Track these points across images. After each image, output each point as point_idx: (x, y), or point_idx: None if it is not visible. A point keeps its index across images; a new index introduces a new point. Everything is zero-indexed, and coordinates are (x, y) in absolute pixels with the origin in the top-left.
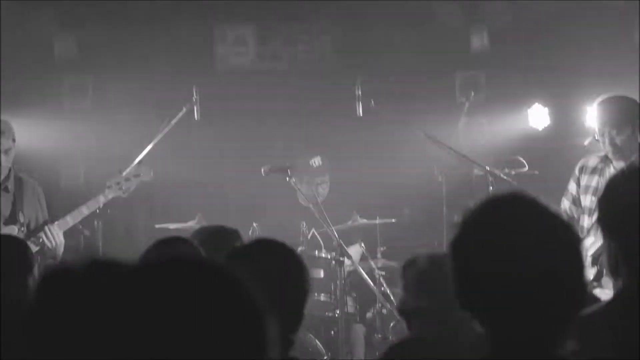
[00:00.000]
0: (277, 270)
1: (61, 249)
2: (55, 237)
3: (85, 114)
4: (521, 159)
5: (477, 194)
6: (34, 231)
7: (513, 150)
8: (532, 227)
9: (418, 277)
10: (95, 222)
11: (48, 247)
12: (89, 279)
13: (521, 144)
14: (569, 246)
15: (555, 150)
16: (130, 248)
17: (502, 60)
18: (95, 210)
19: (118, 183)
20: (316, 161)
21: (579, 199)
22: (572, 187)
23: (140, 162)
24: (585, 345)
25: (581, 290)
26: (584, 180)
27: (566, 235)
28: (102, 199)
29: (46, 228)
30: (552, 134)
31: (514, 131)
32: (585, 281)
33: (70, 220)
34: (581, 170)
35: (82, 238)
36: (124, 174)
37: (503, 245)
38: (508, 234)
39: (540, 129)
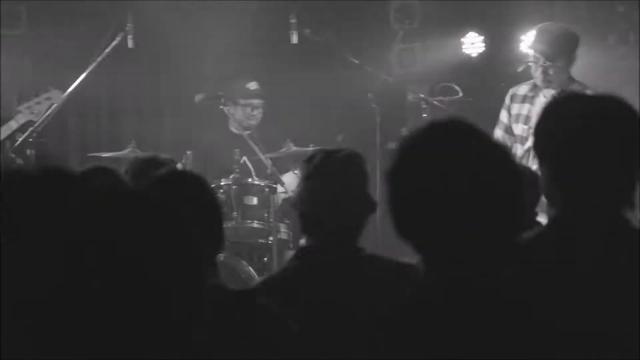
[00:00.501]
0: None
1: None
2: None
3: (20, 41)
4: (455, 86)
5: (410, 121)
6: None
7: (447, 77)
8: (472, 153)
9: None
10: (28, 151)
11: None
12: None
13: (455, 72)
14: (508, 170)
15: (490, 78)
16: None
17: None
18: (15, 137)
19: (29, 107)
20: (252, 85)
21: (511, 128)
22: (503, 116)
23: (49, 86)
24: (523, 270)
25: (521, 215)
26: (514, 109)
27: (505, 160)
28: (13, 124)
29: None
30: (486, 61)
31: (448, 58)
32: (524, 205)
33: None
34: (512, 99)
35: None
36: (34, 98)
37: (443, 171)
38: (448, 160)
39: (474, 55)
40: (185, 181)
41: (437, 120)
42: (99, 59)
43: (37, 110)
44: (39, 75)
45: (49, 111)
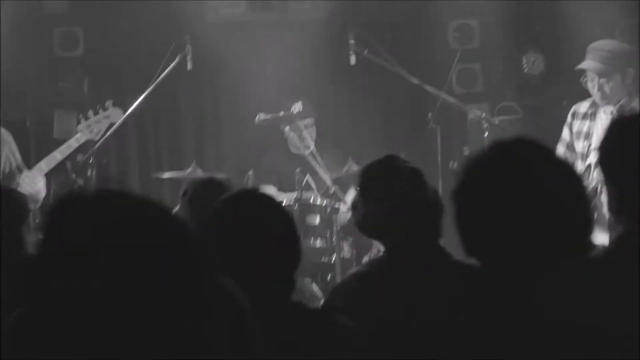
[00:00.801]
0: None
1: (42, 194)
2: (33, 182)
3: (79, 63)
4: (516, 105)
5: (471, 140)
6: (9, 177)
7: (508, 97)
8: (538, 169)
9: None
10: (89, 171)
11: (27, 193)
12: (100, 204)
13: (516, 91)
14: (575, 186)
15: (550, 97)
16: None
17: (496, 7)
18: (75, 157)
19: (89, 126)
20: (297, 107)
21: (573, 145)
22: (565, 133)
23: (108, 103)
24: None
25: (590, 230)
26: (576, 126)
27: (571, 176)
28: (74, 143)
29: (23, 174)
30: (547, 80)
31: (509, 78)
32: (592, 224)
33: (44, 166)
34: (573, 116)
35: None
36: (93, 117)
37: (511, 188)
38: (515, 177)
39: (534, 74)
40: (258, 199)
41: (502, 139)
42: (159, 79)
43: (97, 129)
44: (98, 96)
45: (109, 131)
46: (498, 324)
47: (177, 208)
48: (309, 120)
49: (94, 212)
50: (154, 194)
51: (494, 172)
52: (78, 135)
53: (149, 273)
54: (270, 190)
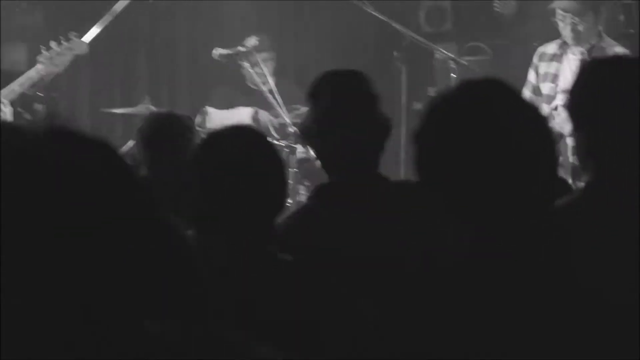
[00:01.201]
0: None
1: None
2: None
3: None
4: (484, 46)
5: (438, 81)
6: None
7: (476, 36)
8: (505, 112)
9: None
10: (35, 105)
11: None
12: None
13: (485, 31)
14: (543, 132)
15: (521, 38)
16: None
17: None
18: (34, 91)
19: (50, 58)
20: (251, 41)
21: (539, 88)
22: (531, 76)
23: (71, 34)
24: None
25: (553, 177)
26: (542, 68)
27: (538, 121)
28: (34, 75)
29: None
30: (519, 19)
31: (478, 17)
32: (556, 167)
33: (2, 98)
34: (540, 57)
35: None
36: (55, 48)
37: (475, 132)
38: (481, 121)
39: (505, 13)
40: (249, 137)
41: (468, 80)
42: (116, 9)
43: (59, 61)
44: (52, 27)
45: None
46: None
47: (130, 145)
48: (266, 55)
49: (38, 152)
50: (105, 130)
51: (458, 114)
52: (38, 66)
53: (90, 212)
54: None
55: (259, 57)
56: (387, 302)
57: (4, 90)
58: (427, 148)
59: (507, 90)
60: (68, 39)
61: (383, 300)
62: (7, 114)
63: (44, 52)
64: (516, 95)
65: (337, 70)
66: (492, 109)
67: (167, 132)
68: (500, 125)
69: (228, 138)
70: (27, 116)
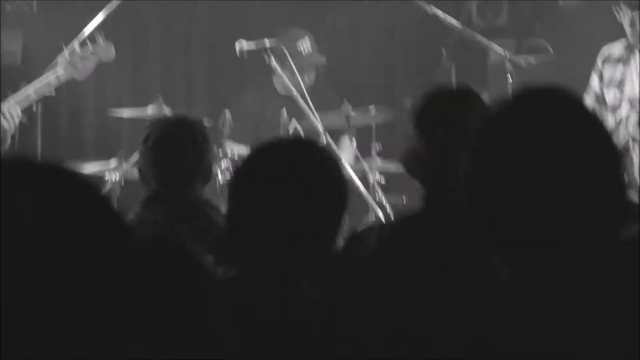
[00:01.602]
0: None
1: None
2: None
3: None
4: (545, 42)
5: (492, 84)
6: None
7: (537, 32)
8: (571, 135)
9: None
10: (34, 107)
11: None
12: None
13: (547, 25)
14: (611, 155)
15: (587, 34)
16: (75, 139)
17: None
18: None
19: (72, 62)
20: (305, 45)
21: (603, 95)
22: (594, 82)
23: (97, 36)
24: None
25: (621, 197)
26: (607, 72)
27: (608, 143)
28: (53, 79)
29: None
30: (583, 11)
31: (539, 9)
32: (624, 195)
33: (14, 105)
34: (604, 60)
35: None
36: (79, 51)
37: (535, 152)
38: (543, 143)
39: (568, 6)
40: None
41: (528, 91)
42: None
43: (83, 66)
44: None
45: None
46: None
47: (135, 157)
48: (313, 65)
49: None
50: (112, 135)
51: (514, 133)
52: (59, 70)
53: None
54: (344, 144)
55: (306, 65)
56: None
57: (18, 95)
58: (482, 169)
59: (571, 104)
60: (94, 41)
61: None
62: (11, 126)
63: (65, 54)
64: (582, 110)
65: (442, 89)
66: (553, 130)
67: (175, 141)
68: (561, 148)
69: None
70: (24, 119)
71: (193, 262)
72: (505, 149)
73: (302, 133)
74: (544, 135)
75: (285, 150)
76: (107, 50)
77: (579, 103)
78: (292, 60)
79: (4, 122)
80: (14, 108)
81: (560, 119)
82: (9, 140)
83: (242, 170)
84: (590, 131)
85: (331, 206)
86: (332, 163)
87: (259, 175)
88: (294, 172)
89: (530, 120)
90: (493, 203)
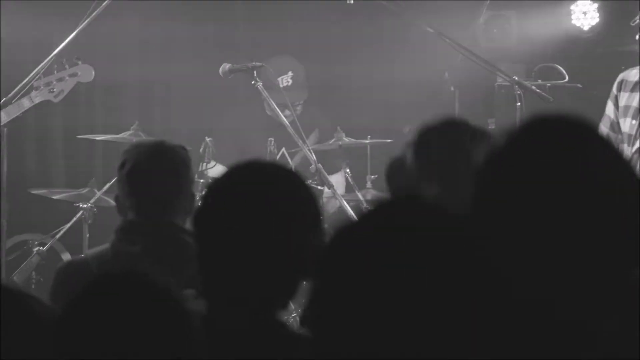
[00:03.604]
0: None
1: None
2: None
3: None
4: (559, 67)
5: (500, 110)
6: None
7: (550, 56)
8: (586, 169)
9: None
10: None
11: None
12: None
13: (561, 49)
14: (631, 188)
15: (604, 58)
16: (43, 164)
17: None
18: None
19: (48, 84)
20: (285, 79)
21: (618, 124)
22: (609, 109)
23: (76, 58)
24: None
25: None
26: (623, 99)
27: (628, 176)
28: (27, 103)
29: None
30: (600, 36)
31: (552, 31)
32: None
33: None
34: (620, 87)
35: None
36: (55, 73)
37: (545, 189)
38: (557, 178)
39: (585, 28)
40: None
41: (541, 117)
42: (95, 12)
43: (59, 89)
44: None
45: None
46: None
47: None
48: (299, 97)
49: None
50: (82, 161)
51: (522, 165)
52: (33, 93)
53: None
54: (338, 178)
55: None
56: None
57: None
58: (491, 204)
59: (587, 134)
60: (73, 64)
61: None
62: None
63: (41, 76)
64: (598, 141)
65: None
66: (566, 164)
67: (155, 168)
68: (574, 183)
69: (245, 178)
70: None
71: (164, 299)
72: (512, 183)
73: (290, 163)
74: (554, 167)
75: (247, 179)
76: (85, 72)
77: (595, 133)
78: (270, 96)
79: None
80: None
81: (575, 153)
82: None
83: (206, 202)
84: (607, 164)
85: (298, 229)
86: (298, 186)
87: (220, 210)
88: (258, 199)
89: (540, 151)
90: (500, 238)
